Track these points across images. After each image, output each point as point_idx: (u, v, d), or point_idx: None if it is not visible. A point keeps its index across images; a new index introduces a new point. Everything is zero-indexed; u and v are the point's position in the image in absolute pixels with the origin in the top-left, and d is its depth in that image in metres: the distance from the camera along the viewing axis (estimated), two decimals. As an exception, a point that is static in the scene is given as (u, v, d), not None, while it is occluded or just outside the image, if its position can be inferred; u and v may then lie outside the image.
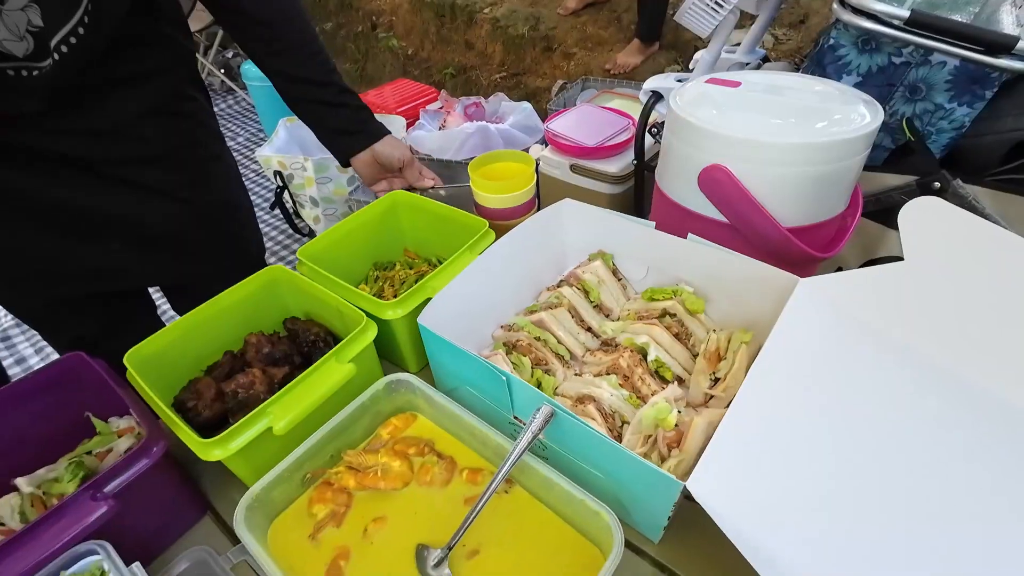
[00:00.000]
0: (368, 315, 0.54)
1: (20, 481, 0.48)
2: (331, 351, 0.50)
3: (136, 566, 0.39)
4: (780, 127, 0.58)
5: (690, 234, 0.61)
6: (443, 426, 0.53)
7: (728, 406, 0.41)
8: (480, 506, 0.42)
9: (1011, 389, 0.44)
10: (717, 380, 0.56)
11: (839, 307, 0.50)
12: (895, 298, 0.49)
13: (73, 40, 0.50)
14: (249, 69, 2.46)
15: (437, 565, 0.42)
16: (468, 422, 0.47)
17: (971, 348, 0.46)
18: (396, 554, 0.43)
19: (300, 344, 0.60)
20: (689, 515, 0.48)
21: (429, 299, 0.55)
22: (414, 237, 0.77)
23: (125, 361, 0.51)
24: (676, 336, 0.59)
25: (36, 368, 0.50)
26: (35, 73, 0.50)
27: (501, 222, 0.70)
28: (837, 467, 0.40)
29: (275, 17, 0.66)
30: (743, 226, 0.63)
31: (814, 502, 0.38)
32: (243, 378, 0.52)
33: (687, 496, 0.44)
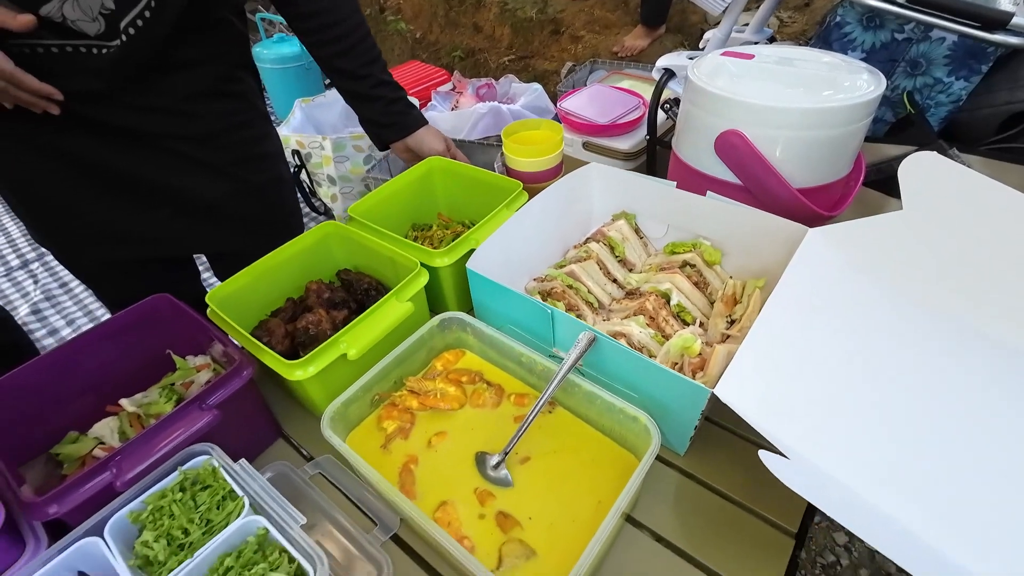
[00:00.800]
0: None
1: (124, 401, 0.54)
2: (391, 291, 0.56)
3: (242, 462, 0.46)
4: (792, 94, 0.64)
5: (709, 191, 0.67)
6: (489, 359, 0.59)
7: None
8: (530, 419, 0.48)
9: (1002, 326, 0.50)
10: (732, 322, 0.62)
11: (845, 252, 0.57)
12: (897, 244, 0.55)
13: (140, 23, 0.55)
14: (260, 51, 2.49)
15: (496, 467, 0.48)
16: (516, 349, 0.53)
17: (967, 289, 0.52)
18: (458, 460, 0.50)
19: (354, 292, 0.66)
20: (708, 434, 0.55)
21: (472, 250, 0.62)
22: (448, 201, 0.83)
23: (208, 300, 0.58)
24: (695, 285, 0.66)
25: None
26: (104, 52, 0.55)
27: (532, 184, 0.76)
28: (846, 379, 0.47)
29: (321, 8, 0.69)
30: (756, 187, 0.69)
31: (826, 405, 0.45)
32: (311, 316, 0.59)
33: (707, 418, 0.51)
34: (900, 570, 0.34)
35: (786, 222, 0.61)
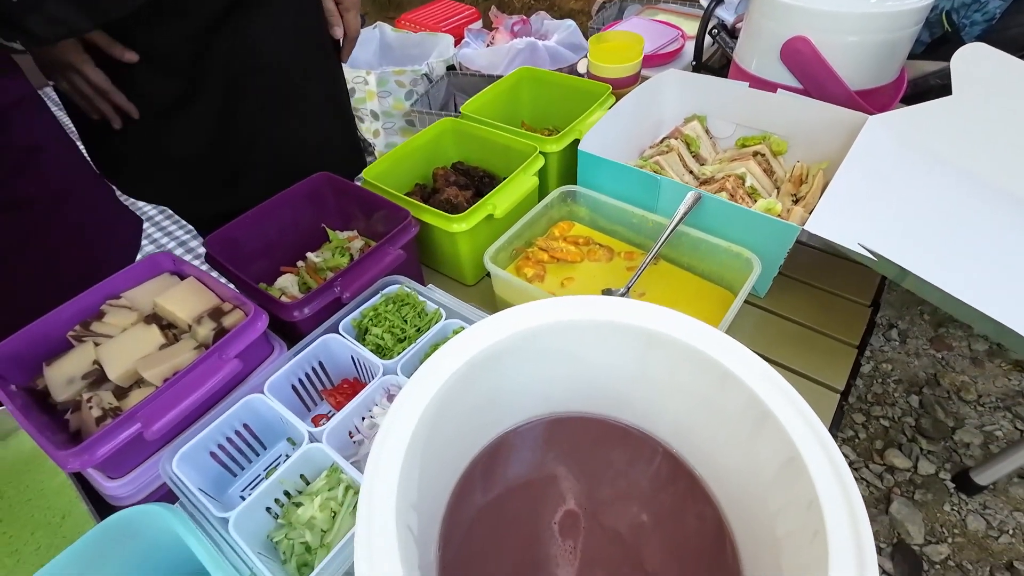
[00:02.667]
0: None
1: (311, 255, 0.66)
2: (521, 167, 0.67)
3: (430, 286, 0.58)
4: (853, 1, 0.73)
5: (779, 88, 0.77)
6: (597, 227, 0.71)
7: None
8: (650, 257, 0.60)
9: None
10: (796, 201, 0.74)
11: (903, 134, 0.67)
12: (950, 125, 0.66)
13: None
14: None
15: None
16: (629, 210, 0.65)
17: (1016, 164, 0.64)
18: (588, 294, 0.62)
19: (472, 178, 0.77)
20: (782, 283, 0.68)
21: (577, 140, 0.73)
22: (532, 108, 0.93)
23: (364, 175, 0.69)
24: (764, 172, 0.77)
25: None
26: None
27: (616, 91, 0.86)
28: (918, 220, 0.58)
29: None
30: (816, 91, 0.79)
31: (902, 236, 0.57)
32: (449, 191, 0.70)
33: (781, 273, 0.63)
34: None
35: (848, 111, 0.72)
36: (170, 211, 1.26)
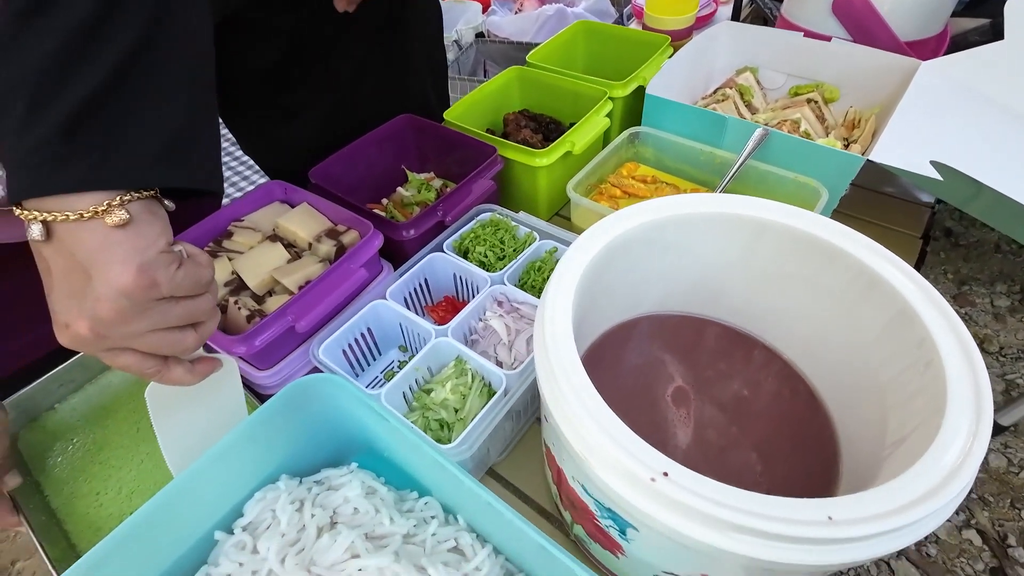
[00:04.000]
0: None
1: (400, 189, 0.72)
2: (594, 108, 0.72)
3: (521, 213, 0.63)
4: (909, -50, 0.76)
5: (833, 37, 0.81)
6: (663, 167, 0.76)
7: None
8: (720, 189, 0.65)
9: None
10: (848, 145, 0.78)
11: (956, 78, 0.71)
12: (1001, 67, 0.70)
13: None
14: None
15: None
16: (697, 147, 0.70)
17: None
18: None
19: (539, 124, 0.81)
20: (835, 218, 0.72)
21: (641, 86, 0.77)
22: (587, 62, 0.97)
23: (446, 116, 0.73)
24: (817, 118, 0.81)
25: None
26: None
27: (672, 43, 0.90)
28: (978, 159, 0.63)
29: None
30: (866, 41, 0.83)
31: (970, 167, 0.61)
32: (524, 132, 0.75)
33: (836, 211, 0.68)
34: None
35: (900, 58, 0.76)
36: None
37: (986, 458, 1.10)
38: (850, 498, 0.25)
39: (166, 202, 0.33)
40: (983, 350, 1.27)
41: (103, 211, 0.29)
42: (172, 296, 0.32)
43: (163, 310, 0.32)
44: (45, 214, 0.29)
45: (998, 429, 1.10)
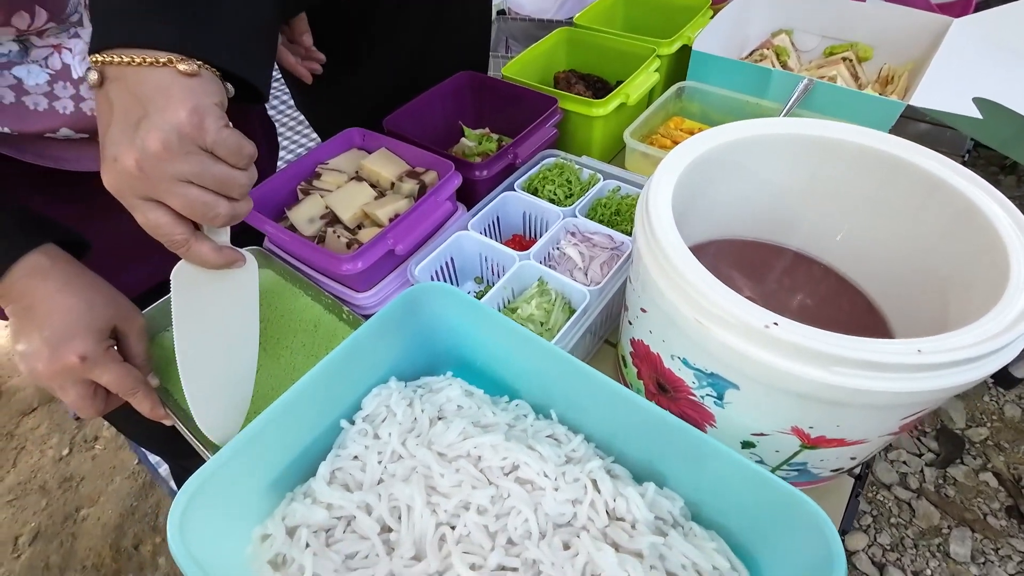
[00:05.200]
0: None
1: (464, 139, 0.76)
2: (643, 64, 0.76)
3: (584, 157, 0.68)
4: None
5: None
6: (709, 121, 0.80)
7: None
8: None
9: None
10: (881, 101, 0.83)
11: (989, 34, 0.76)
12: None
13: None
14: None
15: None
16: (743, 98, 0.74)
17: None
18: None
19: (588, 83, 0.86)
20: None
21: (685, 45, 0.81)
22: (627, 27, 1.01)
23: (504, 71, 0.78)
24: (852, 76, 0.85)
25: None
26: None
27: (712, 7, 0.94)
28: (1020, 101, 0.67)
29: None
30: (898, 2, 0.87)
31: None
32: (579, 87, 0.79)
33: None
34: None
35: (933, 15, 0.80)
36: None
37: (1002, 408, 1.15)
38: (936, 337, 0.30)
39: (228, 84, 0.37)
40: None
41: (177, 60, 0.33)
42: (214, 152, 0.35)
43: (203, 161, 0.34)
44: (118, 56, 0.33)
45: (1013, 381, 1.15)
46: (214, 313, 0.43)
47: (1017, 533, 0.98)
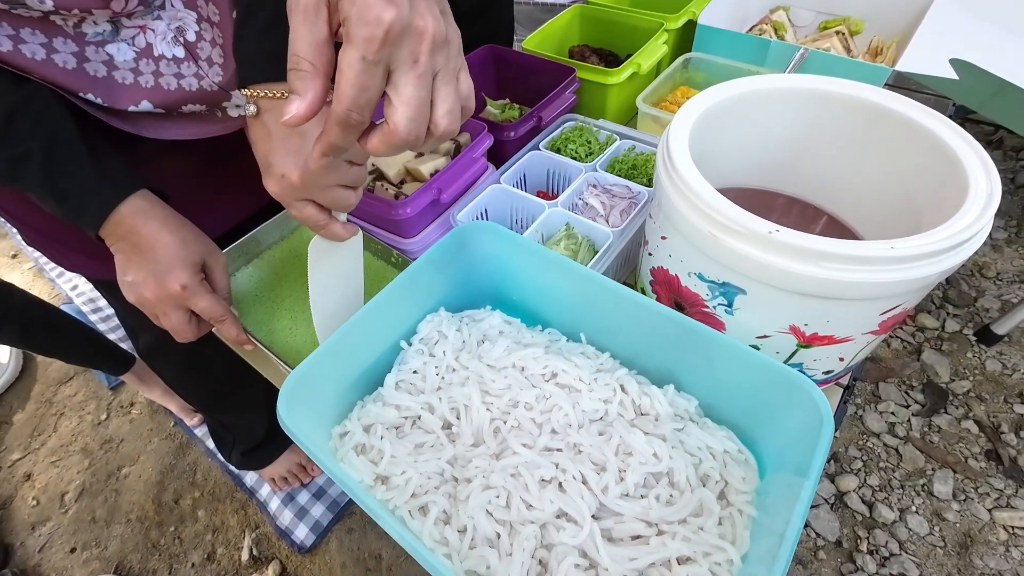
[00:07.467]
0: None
1: (489, 107, 0.82)
2: (653, 37, 0.83)
3: (601, 120, 0.74)
4: None
5: (860, -25, 0.91)
6: (712, 90, 0.87)
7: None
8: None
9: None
10: (871, 70, 0.89)
11: (970, 6, 0.82)
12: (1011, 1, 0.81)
13: None
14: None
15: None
16: (745, 67, 0.81)
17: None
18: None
19: (601, 57, 0.92)
20: None
21: (690, 20, 0.88)
22: (637, 1, 1.07)
23: (524, 44, 0.84)
24: (844, 49, 0.92)
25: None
26: None
27: (712, -16, 1.00)
28: (999, 65, 0.74)
29: None
30: (887, -22, 0.93)
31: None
32: (593, 58, 0.86)
33: None
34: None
35: (920, -11, 0.86)
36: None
37: (983, 362, 1.24)
38: (906, 238, 0.37)
39: None
40: (981, 275, 1.40)
41: None
42: (350, 160, 0.43)
43: (345, 169, 0.43)
44: (269, 92, 0.41)
45: (994, 338, 1.24)
46: (336, 273, 0.52)
47: (995, 473, 1.07)
